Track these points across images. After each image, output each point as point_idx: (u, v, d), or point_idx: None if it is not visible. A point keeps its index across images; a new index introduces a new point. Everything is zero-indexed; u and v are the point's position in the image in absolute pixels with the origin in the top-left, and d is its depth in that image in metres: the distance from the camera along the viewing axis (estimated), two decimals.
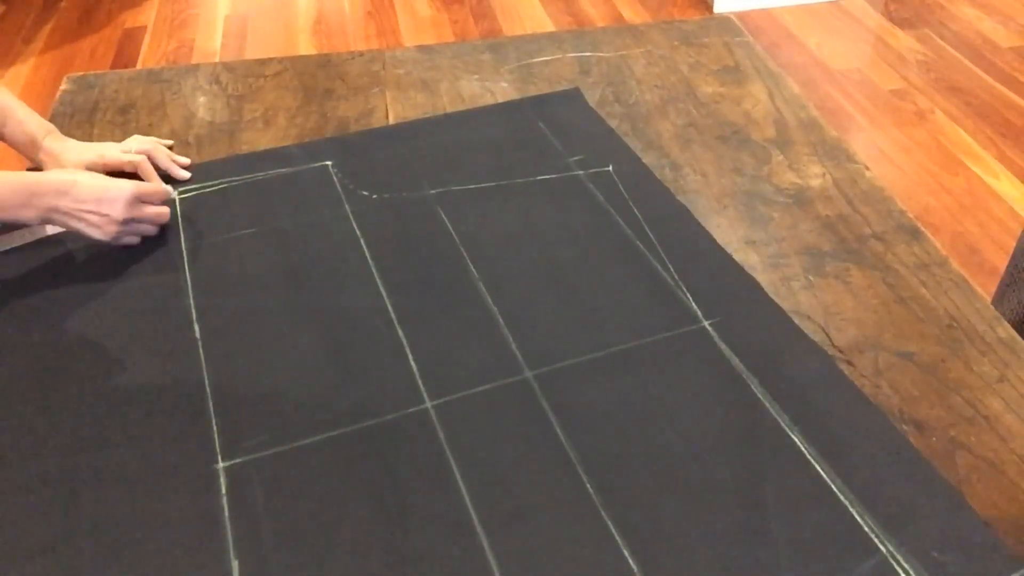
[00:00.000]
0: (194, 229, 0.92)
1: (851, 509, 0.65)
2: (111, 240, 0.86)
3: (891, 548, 0.62)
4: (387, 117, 1.11)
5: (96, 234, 0.85)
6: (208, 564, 0.62)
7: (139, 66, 2.60)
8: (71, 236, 0.91)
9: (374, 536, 0.63)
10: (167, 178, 0.99)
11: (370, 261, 0.88)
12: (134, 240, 0.89)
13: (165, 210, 0.90)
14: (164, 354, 0.78)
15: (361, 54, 1.24)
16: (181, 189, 0.97)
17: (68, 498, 0.66)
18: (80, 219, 0.84)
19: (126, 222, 0.86)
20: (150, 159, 0.98)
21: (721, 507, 0.65)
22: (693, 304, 0.82)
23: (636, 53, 1.24)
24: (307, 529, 0.64)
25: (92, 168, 0.96)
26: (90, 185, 0.84)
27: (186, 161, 1.01)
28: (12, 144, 0.95)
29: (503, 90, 1.16)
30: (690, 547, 0.63)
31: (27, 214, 0.81)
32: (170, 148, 1.03)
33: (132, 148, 0.99)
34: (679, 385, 0.74)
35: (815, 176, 1.00)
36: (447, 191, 0.97)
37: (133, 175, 0.97)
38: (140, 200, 0.87)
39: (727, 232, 0.92)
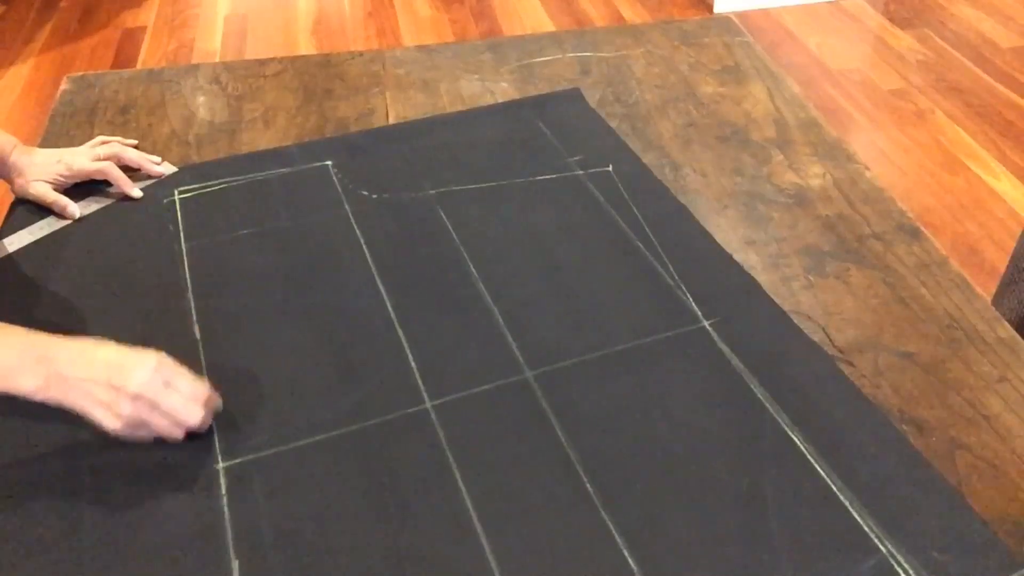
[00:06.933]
0: (194, 229, 0.92)
1: (851, 509, 0.65)
2: (121, 430, 0.67)
3: (891, 548, 0.62)
4: (387, 117, 1.11)
5: (103, 417, 0.66)
6: (208, 564, 0.62)
7: (139, 66, 2.60)
8: (71, 235, 0.91)
9: (374, 536, 0.63)
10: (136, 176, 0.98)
11: (370, 261, 0.88)
12: (146, 436, 0.69)
13: (202, 390, 0.70)
14: None
15: (361, 54, 1.24)
16: (181, 189, 0.97)
17: (68, 498, 0.66)
18: (86, 394, 0.66)
19: (138, 399, 0.66)
20: (119, 161, 0.97)
21: (721, 507, 0.65)
22: (693, 304, 0.82)
23: (636, 53, 1.24)
24: (307, 529, 0.64)
25: (59, 180, 0.93)
26: (107, 353, 0.68)
27: (158, 159, 1.00)
28: None
29: (503, 90, 1.16)
30: (690, 547, 0.63)
31: (25, 383, 0.65)
32: (135, 147, 1.01)
33: (101, 153, 0.96)
34: (679, 385, 0.74)
35: (815, 176, 1.00)
36: (447, 191, 0.97)
37: (104, 183, 0.96)
38: (166, 380, 0.68)
39: (727, 232, 0.92)
